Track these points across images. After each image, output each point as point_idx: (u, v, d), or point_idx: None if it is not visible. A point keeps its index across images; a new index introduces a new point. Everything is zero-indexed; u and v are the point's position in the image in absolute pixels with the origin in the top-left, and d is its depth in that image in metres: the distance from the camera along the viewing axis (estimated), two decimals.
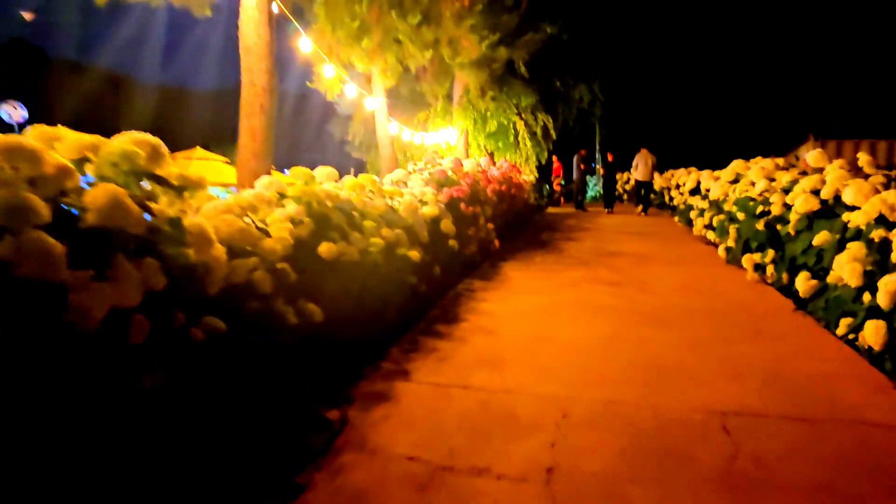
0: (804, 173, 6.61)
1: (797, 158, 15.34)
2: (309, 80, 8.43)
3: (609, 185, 19.67)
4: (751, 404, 3.10)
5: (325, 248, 3.78)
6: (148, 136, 2.36)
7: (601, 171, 20.30)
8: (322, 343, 3.48)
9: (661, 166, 19.08)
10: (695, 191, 12.99)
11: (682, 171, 15.93)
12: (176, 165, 2.62)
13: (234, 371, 2.68)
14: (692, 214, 11.55)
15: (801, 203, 5.35)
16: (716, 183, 10.43)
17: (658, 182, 19.62)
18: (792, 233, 5.77)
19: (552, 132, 15.20)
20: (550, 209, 18.85)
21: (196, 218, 2.57)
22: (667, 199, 17.37)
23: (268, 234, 3.38)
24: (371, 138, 14.99)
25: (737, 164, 8.45)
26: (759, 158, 7.31)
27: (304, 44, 6.98)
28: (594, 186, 26.47)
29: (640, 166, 17.80)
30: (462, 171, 7.71)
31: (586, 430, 2.82)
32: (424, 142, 14.16)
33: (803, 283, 4.93)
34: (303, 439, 2.65)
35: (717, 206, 9.83)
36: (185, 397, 2.32)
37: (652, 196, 19.19)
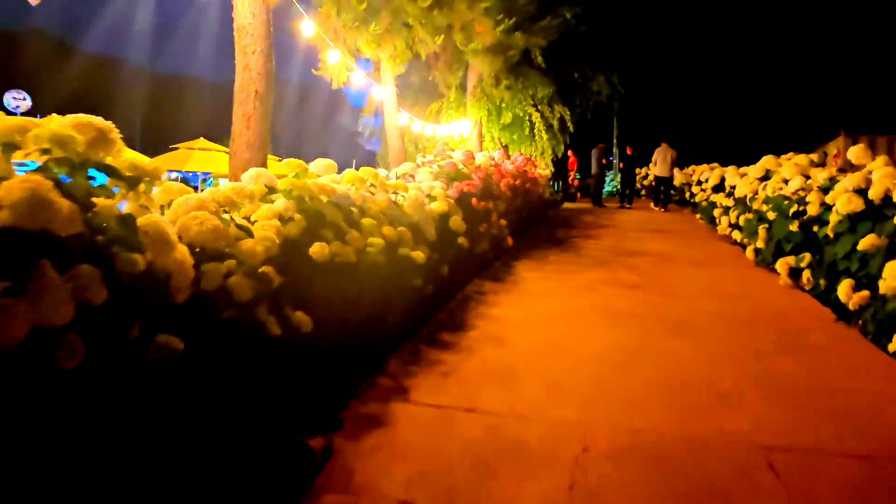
0: (842, 171, 6.16)
1: (825, 154, 14.82)
2: (315, 68, 8.06)
3: (627, 179, 19.26)
4: (800, 436, 2.70)
5: (317, 249, 3.41)
6: (93, 119, 1.99)
7: (620, 166, 19.81)
8: (310, 355, 3.12)
9: (680, 162, 18.65)
10: (718, 187, 12.52)
11: (703, 166, 15.44)
12: (137, 155, 2.26)
13: (199, 394, 2.32)
14: (716, 212, 11.11)
15: (844, 203, 4.92)
16: (742, 180, 9.98)
17: (678, 178, 19.13)
18: (831, 235, 5.33)
19: (570, 125, 14.73)
20: (566, 204, 18.42)
21: (154, 215, 2.21)
22: (687, 195, 16.89)
23: (250, 234, 3.03)
24: (381, 130, 14.61)
25: (767, 160, 8.00)
26: (791, 154, 6.86)
27: (307, 27, 6.61)
28: (610, 181, 25.98)
29: (660, 162, 17.37)
30: (474, 164, 7.32)
31: (610, 466, 2.44)
32: (437, 133, 13.76)
33: (847, 291, 4.51)
34: (277, 477, 2.29)
35: (743, 204, 9.39)
36: (132, 430, 1.96)
37: (672, 192, 18.74)
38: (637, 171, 22.93)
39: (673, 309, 5.01)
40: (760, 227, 7.26)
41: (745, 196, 9.22)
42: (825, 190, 5.67)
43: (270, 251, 3.07)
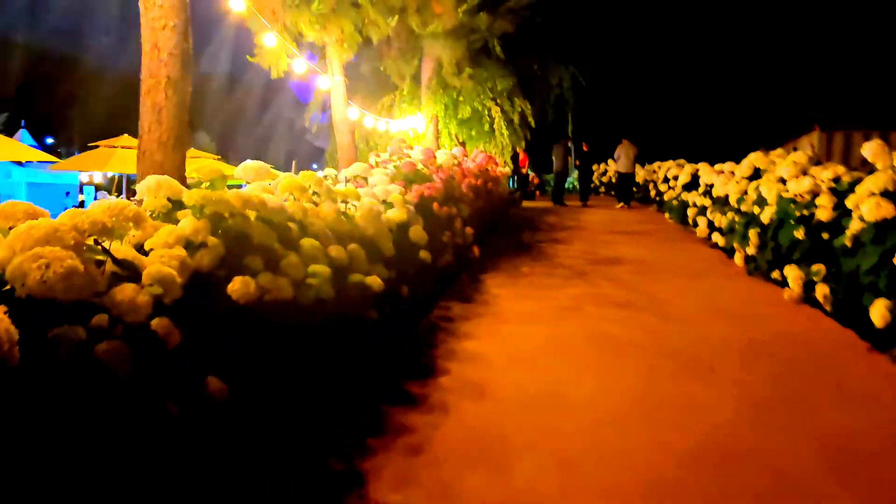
0: (863, 173, 5.55)
1: (795, 150, 14.50)
2: (251, 54, 7.13)
3: (585, 176, 18.84)
4: None
5: (238, 286, 2.56)
6: None
7: (577, 163, 19.31)
8: (221, 435, 2.26)
9: (641, 158, 18.37)
10: (690, 185, 11.97)
11: (669, 163, 14.95)
12: None
13: None
14: (690, 212, 10.55)
15: (871, 209, 4.27)
16: (720, 177, 9.42)
17: (640, 174, 18.71)
18: (849, 244, 4.70)
19: (531, 119, 14.02)
20: (526, 203, 17.76)
21: None
22: (653, 193, 16.40)
23: (135, 274, 2.16)
24: (329, 125, 13.65)
25: (756, 158, 7.39)
26: (779, 150, 6.25)
27: (237, 3, 5.67)
28: (568, 178, 25.50)
29: (623, 158, 17.02)
30: (435, 163, 6.52)
31: None
32: (390, 129, 12.89)
33: (883, 314, 3.84)
34: None
35: (723, 204, 8.81)
36: None
37: (634, 189, 18.38)
38: (594, 167, 22.51)
39: (675, 336, 4.29)
40: (751, 231, 6.64)
41: (727, 196, 8.63)
42: (840, 192, 5.04)
43: (170, 293, 2.21)
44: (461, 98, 12.89)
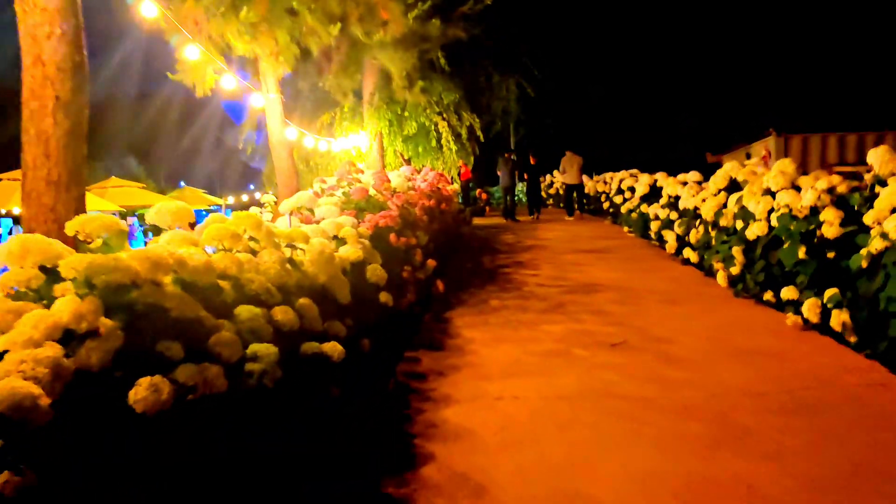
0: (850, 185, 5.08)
1: (748, 156, 14.33)
2: (172, 71, 6.28)
3: (534, 189, 18.63)
4: None
5: (143, 394, 1.81)
6: None
7: (524, 175, 18.94)
8: None
9: (587, 169, 18.25)
10: (649, 196, 11.58)
11: (623, 173, 14.61)
12: None
13: None
14: (654, 226, 10.11)
15: None
16: (685, 189, 9.00)
17: (591, 185, 18.41)
18: (865, 265, 4.20)
19: (479, 133, 13.45)
20: (476, 220, 17.17)
21: None
22: (606, 205, 16.05)
23: None
24: (266, 146, 12.78)
25: (731, 168, 6.93)
26: (780, 161, 5.76)
27: (148, 8, 4.83)
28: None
29: (568, 169, 16.83)
30: (388, 187, 5.80)
31: None
32: (332, 149, 12.14)
33: None
34: None
35: (692, 217, 8.37)
36: None
37: (584, 200, 18.14)
38: (541, 179, 22.24)
39: (688, 386, 3.67)
40: (736, 249, 6.15)
41: (696, 209, 8.20)
42: (852, 207, 4.55)
43: (33, 420, 1.47)
44: (406, 113, 12.22)
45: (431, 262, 5.70)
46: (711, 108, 24.10)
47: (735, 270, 6.20)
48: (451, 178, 14.60)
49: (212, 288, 2.49)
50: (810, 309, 4.46)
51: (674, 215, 9.18)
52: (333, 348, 2.79)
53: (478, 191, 19.95)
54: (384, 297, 4.49)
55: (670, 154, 22.17)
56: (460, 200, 18.93)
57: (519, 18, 14.72)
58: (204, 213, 26.85)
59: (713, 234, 7.14)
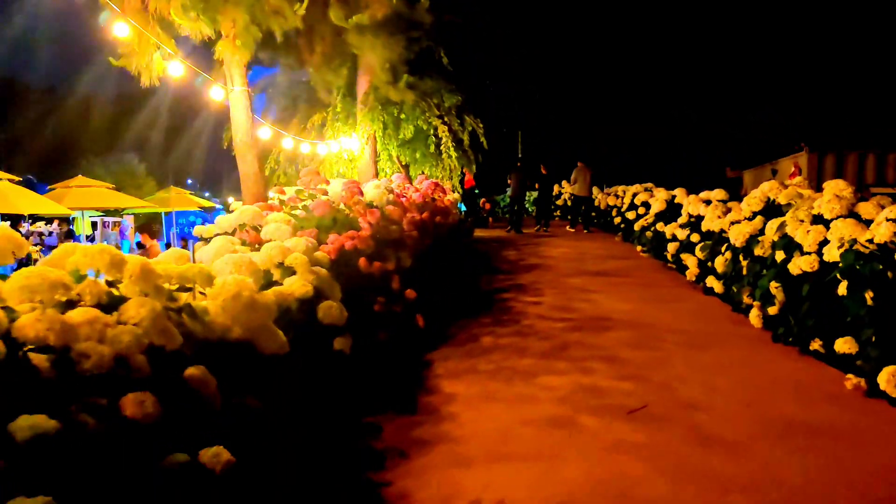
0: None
1: (775, 172, 13.39)
2: (115, 57, 5.39)
3: (544, 200, 17.87)
4: None
5: None
6: None
7: (535, 186, 18.15)
8: None
9: (597, 181, 17.64)
10: (666, 214, 10.62)
11: (637, 187, 13.64)
12: None
13: None
14: (671, 247, 9.14)
15: None
16: (709, 209, 8.04)
17: (601, 199, 17.49)
18: None
19: (483, 140, 12.51)
20: (478, 232, 16.22)
21: None
22: (617, 220, 15.07)
23: None
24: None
25: (770, 187, 5.96)
26: (832, 182, 4.81)
27: None
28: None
29: (580, 181, 16.18)
30: (361, 201, 4.87)
31: None
32: (319, 152, 11.22)
33: None
34: None
35: (717, 241, 7.42)
36: None
37: (593, 214, 17.34)
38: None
39: (738, 489, 2.73)
40: (774, 285, 5.20)
41: (721, 231, 7.26)
42: None
43: None
44: (403, 115, 11.29)
45: (410, 293, 4.75)
46: (731, 120, 22.95)
47: (773, 310, 5.25)
48: (453, 186, 13.68)
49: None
50: (888, 381, 3.49)
51: (695, 237, 8.22)
52: (216, 459, 1.86)
53: (482, 200, 19.00)
54: (340, 343, 3.57)
55: (686, 167, 21.25)
56: (462, 210, 18.06)
57: (529, 19, 13.79)
58: (198, 215, 25.89)
59: (744, 263, 6.18)
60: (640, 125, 25.57)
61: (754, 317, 5.57)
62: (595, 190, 18.55)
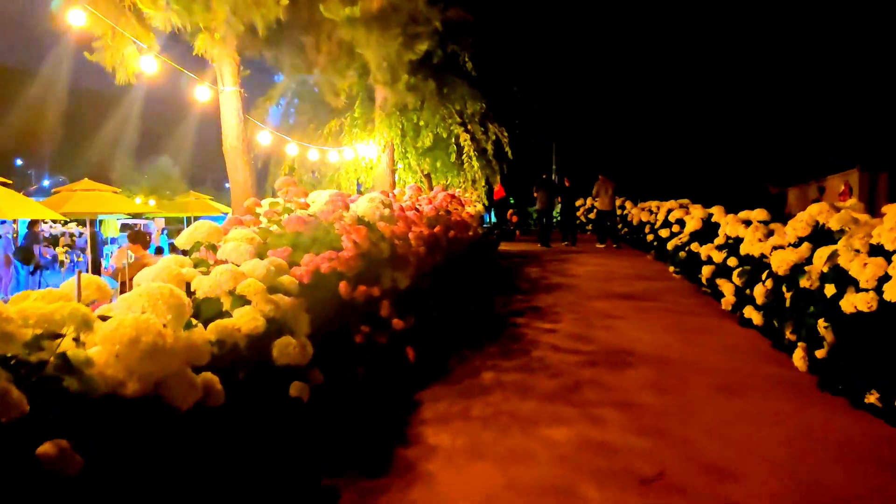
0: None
1: (822, 190, 12.58)
2: (90, 51, 4.99)
3: (568, 214, 17.34)
4: None
5: None
6: None
7: (558, 200, 17.57)
8: None
9: (636, 193, 17.19)
10: (701, 234, 9.93)
11: (671, 203, 12.94)
12: None
13: None
14: (705, 270, 8.46)
15: None
16: (749, 230, 7.37)
17: (635, 214, 16.78)
18: None
19: (507, 149, 11.94)
20: (504, 245, 15.64)
21: None
22: (650, 237, 14.35)
23: None
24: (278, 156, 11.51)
25: (819, 211, 5.30)
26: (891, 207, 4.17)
27: None
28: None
29: (602, 195, 15.72)
30: (348, 217, 4.35)
31: None
32: (335, 160, 10.79)
33: None
34: None
35: (757, 267, 6.76)
36: None
37: (620, 227, 16.83)
38: (577, 203, 20.85)
39: None
40: (823, 325, 4.55)
41: (762, 257, 6.60)
42: None
43: None
44: (422, 122, 10.78)
45: (397, 322, 4.21)
46: (774, 134, 21.78)
47: (821, 353, 4.59)
48: (479, 196, 13.14)
49: None
50: None
51: (732, 261, 7.54)
52: None
53: (509, 212, 18.42)
54: (296, 388, 3.04)
55: (724, 182, 20.38)
56: (488, 222, 17.51)
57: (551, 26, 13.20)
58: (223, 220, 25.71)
59: (788, 294, 5.51)
60: (677, 136, 24.59)
61: (798, 358, 4.91)
62: (629, 204, 17.91)
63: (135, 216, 30.83)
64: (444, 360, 4.98)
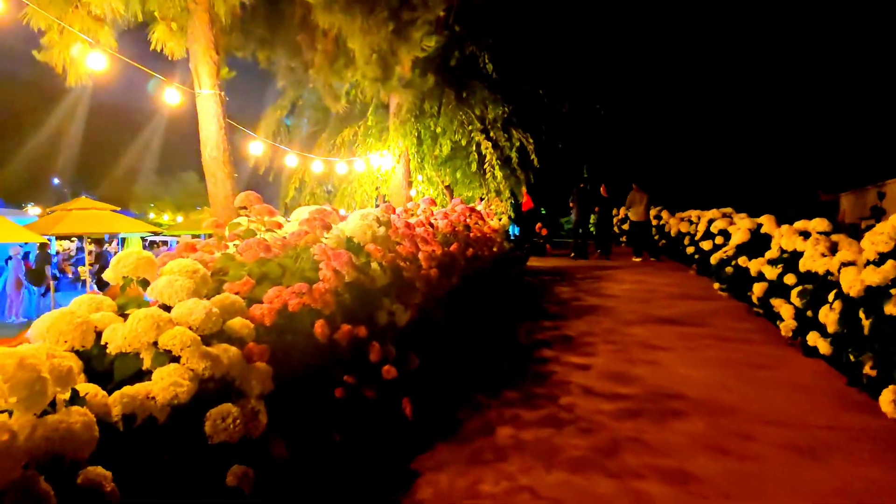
0: None
1: (881, 197, 11.57)
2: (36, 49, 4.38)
3: (604, 224, 16.57)
4: None
5: None
6: None
7: (595, 210, 16.76)
8: None
9: (668, 204, 16.45)
10: (747, 245, 9.04)
11: (714, 212, 12.03)
12: None
13: None
14: (757, 289, 7.58)
15: None
16: (809, 244, 6.51)
17: (673, 224, 15.86)
18: None
19: (533, 157, 11.15)
20: (533, 261, 14.81)
21: None
22: (690, 249, 13.41)
23: None
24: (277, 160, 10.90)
25: None
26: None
27: None
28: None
29: (635, 205, 15.02)
30: (330, 239, 3.62)
31: None
32: (353, 171, 10.12)
33: None
34: None
35: (822, 287, 5.90)
36: None
37: (657, 238, 16.03)
38: (614, 213, 19.97)
39: None
40: None
41: (827, 274, 5.76)
42: None
43: None
44: (439, 129, 10.04)
45: (389, 371, 3.46)
46: (822, 134, 20.42)
47: None
48: (505, 208, 12.35)
49: None
50: None
51: (790, 278, 6.66)
52: None
53: (538, 225, 17.59)
54: (236, 475, 2.29)
55: (767, 189, 19.33)
56: (514, 235, 16.70)
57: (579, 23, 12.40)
58: None
59: (867, 322, 4.65)
60: (715, 139, 23.37)
61: (887, 402, 4.04)
62: (665, 214, 17.03)
63: (155, 233, 30.62)
64: (453, 409, 4.21)
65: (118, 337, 2.29)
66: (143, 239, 29.26)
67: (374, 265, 3.95)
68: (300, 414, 2.94)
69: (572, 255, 16.01)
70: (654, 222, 17.20)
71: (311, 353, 3.13)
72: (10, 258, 17.08)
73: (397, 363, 3.77)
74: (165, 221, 46.65)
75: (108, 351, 2.30)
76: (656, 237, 17.01)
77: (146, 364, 2.30)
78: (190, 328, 2.42)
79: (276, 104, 12.11)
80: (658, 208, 17.52)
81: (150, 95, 5.13)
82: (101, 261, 18.35)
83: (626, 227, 21.56)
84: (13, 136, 38.81)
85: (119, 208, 18.73)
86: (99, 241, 25.84)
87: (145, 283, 2.67)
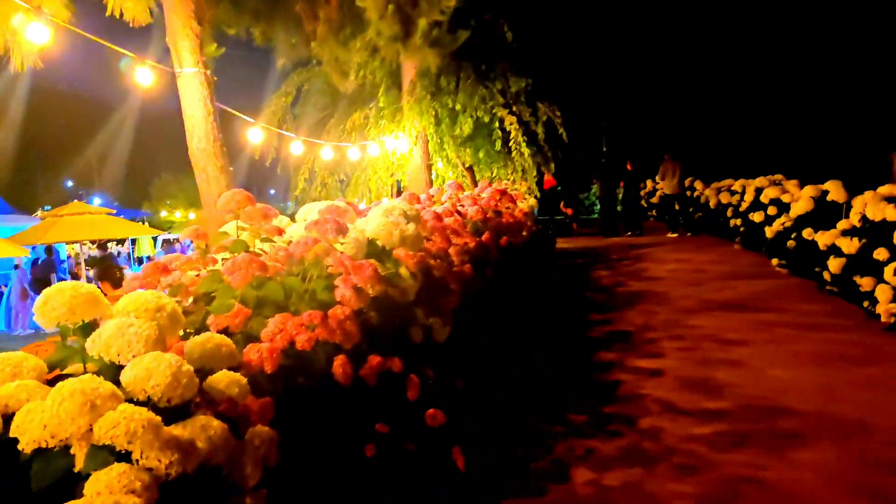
0: None
1: None
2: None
3: (631, 200, 15.70)
4: None
5: None
6: None
7: (621, 184, 15.89)
8: None
9: (702, 174, 15.51)
10: (810, 215, 8.15)
11: (761, 180, 11.07)
12: None
13: None
14: (833, 265, 6.70)
15: None
16: None
17: (711, 196, 14.89)
18: None
19: (561, 131, 10.23)
20: (560, 242, 13.94)
21: None
22: (733, 222, 12.45)
23: None
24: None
25: None
26: None
27: None
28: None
29: (667, 177, 14.19)
30: (347, 245, 2.81)
31: None
32: (356, 157, 9.31)
33: None
34: None
35: None
36: None
37: (697, 214, 15.04)
38: (641, 186, 18.94)
39: None
40: None
41: None
42: None
43: None
44: (458, 106, 9.15)
45: (435, 416, 2.65)
46: (868, 88, 18.89)
47: None
48: (529, 189, 11.48)
49: None
50: None
51: (881, 253, 5.77)
52: None
53: (561, 203, 16.67)
54: None
55: (808, 151, 18.23)
56: (539, 216, 15.86)
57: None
58: None
59: None
60: (749, 100, 21.98)
61: None
62: (699, 184, 16.08)
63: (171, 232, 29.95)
64: (510, 440, 3.41)
65: (33, 427, 1.50)
66: (155, 238, 28.60)
67: (404, 271, 3.14)
68: (318, 488, 2.15)
69: (601, 233, 15.21)
70: (688, 194, 16.27)
71: (328, 403, 2.34)
72: (16, 266, 16.46)
73: (439, 394, 2.97)
74: (178, 219, 46.04)
75: (20, 448, 1.51)
76: (690, 210, 16.07)
77: (79, 464, 1.51)
78: (149, 400, 1.63)
79: (281, 90, 11.32)
80: (690, 179, 16.57)
81: (123, 75, 4.33)
82: (104, 264, 17.71)
83: (654, 200, 20.58)
84: (21, 137, 38.37)
85: (115, 211, 18.06)
86: (103, 245, 25.26)
87: (87, 330, 1.88)
